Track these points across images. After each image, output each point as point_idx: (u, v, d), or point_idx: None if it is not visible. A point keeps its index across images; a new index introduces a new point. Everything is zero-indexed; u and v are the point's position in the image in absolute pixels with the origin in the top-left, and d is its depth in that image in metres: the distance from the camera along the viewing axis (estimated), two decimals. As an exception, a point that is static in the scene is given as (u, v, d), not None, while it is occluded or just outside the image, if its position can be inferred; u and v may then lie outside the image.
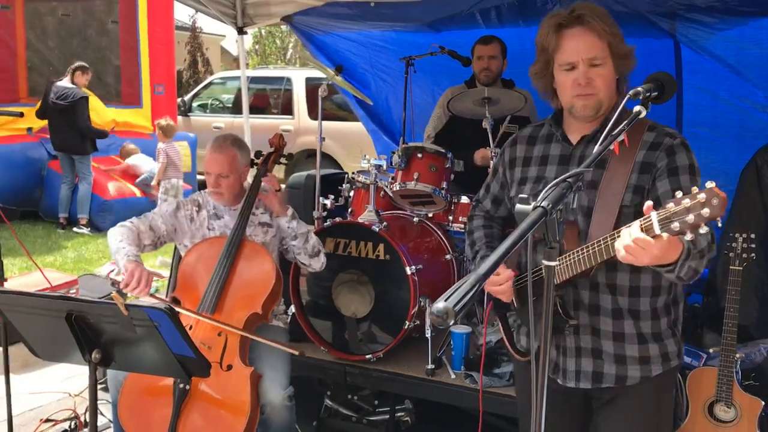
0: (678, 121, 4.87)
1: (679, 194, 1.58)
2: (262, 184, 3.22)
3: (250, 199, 3.23)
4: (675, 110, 4.83)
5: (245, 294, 3.09)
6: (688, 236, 1.58)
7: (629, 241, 1.67)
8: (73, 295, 2.56)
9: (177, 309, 2.82)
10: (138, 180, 9.07)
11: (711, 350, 3.30)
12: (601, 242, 1.86)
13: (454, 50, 4.72)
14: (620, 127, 1.75)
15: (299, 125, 10.69)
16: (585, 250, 1.92)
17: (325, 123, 10.31)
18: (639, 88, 1.83)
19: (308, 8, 5.40)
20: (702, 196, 1.54)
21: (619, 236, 1.75)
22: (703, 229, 1.55)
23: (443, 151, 3.88)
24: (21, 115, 3.70)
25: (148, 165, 9.22)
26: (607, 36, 2.01)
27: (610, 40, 2.01)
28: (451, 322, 1.19)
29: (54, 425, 3.88)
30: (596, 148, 1.73)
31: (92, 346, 2.44)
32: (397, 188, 3.85)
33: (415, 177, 3.79)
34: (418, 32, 5.40)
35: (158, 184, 8.58)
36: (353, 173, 4.28)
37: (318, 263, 3.37)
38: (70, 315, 2.36)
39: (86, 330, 2.41)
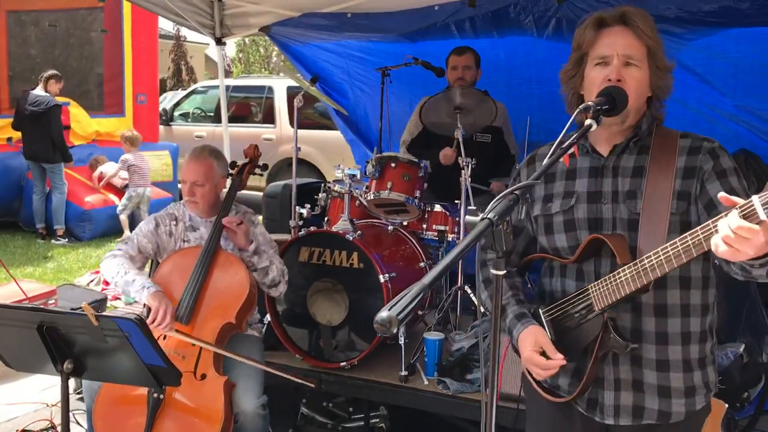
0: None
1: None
2: (224, 221, 3.20)
3: (224, 210, 3.27)
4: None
5: (219, 304, 3.12)
6: None
7: (729, 232, 1.47)
8: (43, 306, 2.58)
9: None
10: (119, 209, 8.99)
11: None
12: (678, 244, 1.68)
13: (428, 61, 4.79)
14: (570, 140, 1.77)
15: (281, 134, 10.73)
16: (640, 264, 1.77)
17: (307, 131, 10.50)
18: (589, 102, 1.82)
19: (286, 19, 5.48)
20: None
21: (715, 231, 1.55)
22: None
23: (416, 160, 3.95)
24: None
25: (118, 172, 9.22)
26: (648, 41, 1.91)
27: (651, 45, 1.91)
28: (395, 330, 1.24)
29: (32, 436, 3.89)
30: (545, 160, 1.72)
31: (64, 357, 2.48)
32: (372, 197, 3.91)
33: (389, 186, 3.86)
34: (395, 42, 5.47)
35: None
36: (330, 182, 4.33)
37: (276, 292, 3.41)
38: (42, 326, 2.40)
39: (58, 341, 2.45)
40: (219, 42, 5.90)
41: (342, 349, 3.74)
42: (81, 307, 2.31)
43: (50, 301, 5.10)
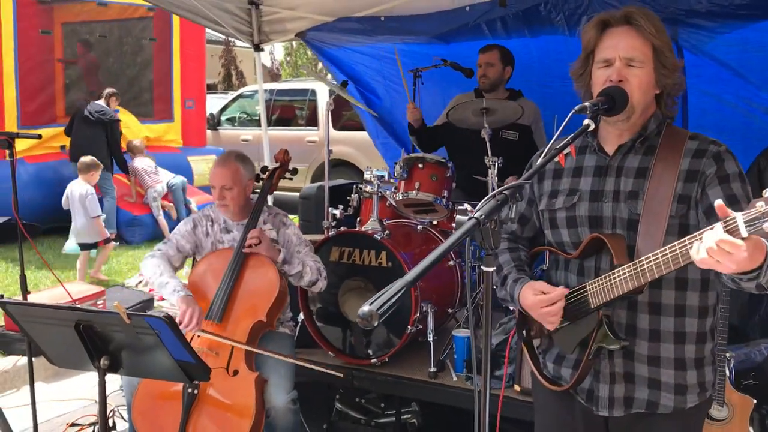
0: (684, 126, 4.91)
1: (767, 193, 1.43)
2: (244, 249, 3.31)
3: (255, 213, 3.39)
4: (681, 115, 4.88)
5: (250, 303, 3.25)
6: None
7: (713, 244, 1.51)
8: (80, 306, 2.74)
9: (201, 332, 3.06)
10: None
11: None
12: (668, 251, 1.72)
13: (457, 62, 4.85)
14: (566, 140, 1.82)
15: (324, 136, 10.87)
16: (637, 265, 1.80)
17: (349, 133, 10.62)
18: (586, 104, 1.86)
19: (321, 24, 5.59)
20: None
21: (699, 240, 1.58)
22: None
23: (443, 160, 4.01)
24: (39, 137, 3.91)
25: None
26: (653, 40, 1.92)
27: (656, 44, 1.92)
28: (375, 324, 1.31)
29: (80, 430, 4.08)
30: (539, 160, 1.78)
31: (100, 354, 2.61)
32: (400, 198, 3.99)
33: (417, 186, 3.93)
34: (428, 44, 5.53)
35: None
36: (361, 183, 4.42)
37: (316, 289, 3.50)
38: (79, 324, 2.54)
39: (94, 338, 2.59)
40: (257, 48, 6.05)
41: (373, 346, 3.82)
42: (114, 306, 2.45)
43: (99, 302, 5.33)
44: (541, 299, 2.01)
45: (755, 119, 4.61)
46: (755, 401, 3.13)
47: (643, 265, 1.79)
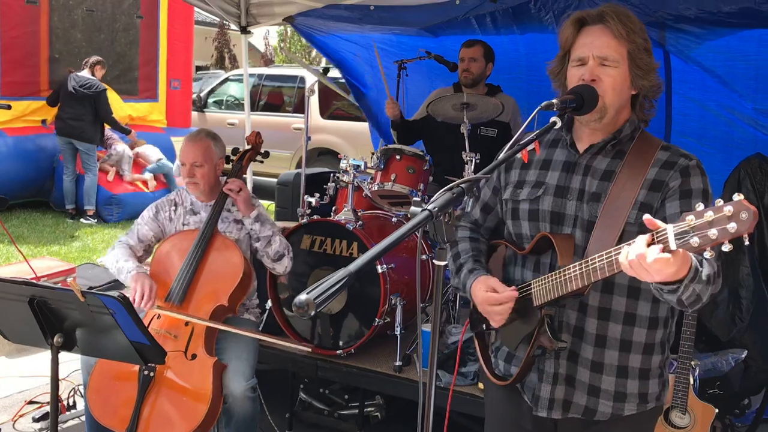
0: (667, 130, 4.90)
1: (700, 206, 1.44)
2: (224, 187, 3.30)
3: (223, 194, 3.33)
4: (664, 119, 4.86)
5: (213, 286, 3.19)
6: (707, 254, 1.46)
7: (638, 256, 1.54)
8: (34, 281, 2.68)
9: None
10: (148, 168, 9.38)
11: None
12: (604, 257, 1.72)
13: (441, 55, 4.81)
14: (530, 137, 1.78)
15: (311, 123, 10.79)
16: (582, 266, 1.79)
17: (337, 122, 10.55)
18: (553, 101, 1.82)
19: (309, 9, 5.52)
20: (729, 209, 1.38)
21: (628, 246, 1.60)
22: (726, 247, 1.40)
23: (421, 153, 3.96)
24: (8, 107, 3.82)
25: (155, 155, 9.54)
26: (627, 41, 1.89)
27: (630, 47, 1.89)
28: (312, 313, 1.27)
29: (39, 408, 4.01)
30: (501, 154, 1.74)
31: (54, 331, 2.56)
32: (375, 188, 3.94)
33: (393, 178, 3.88)
34: (417, 36, 5.49)
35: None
36: (338, 172, 4.37)
37: (281, 267, 3.42)
38: (33, 300, 2.48)
39: (49, 315, 2.53)
40: (244, 30, 5.98)
41: (340, 337, 3.78)
42: (68, 282, 2.39)
43: (69, 279, 5.25)
44: (490, 297, 1.98)
45: (737, 128, 4.60)
46: (717, 410, 3.11)
47: (582, 267, 1.78)
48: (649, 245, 1.53)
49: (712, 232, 1.40)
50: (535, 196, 2.03)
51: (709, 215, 1.41)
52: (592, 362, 1.96)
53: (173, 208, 3.45)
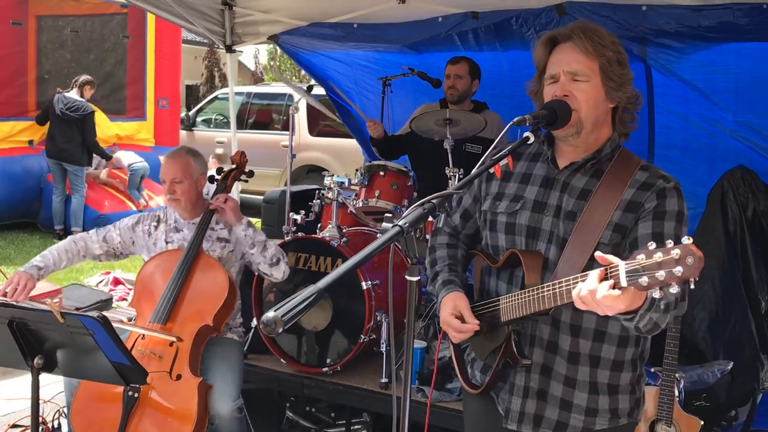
0: (650, 144, 4.93)
1: (652, 245, 1.46)
2: (211, 204, 3.31)
3: (207, 212, 3.33)
4: (647, 133, 4.89)
5: (198, 306, 3.18)
6: (656, 293, 1.46)
7: (589, 292, 1.56)
8: (12, 302, 2.67)
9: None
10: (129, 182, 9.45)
11: (652, 369, 3.32)
12: (563, 284, 1.75)
13: (424, 72, 4.84)
14: (503, 152, 1.79)
15: (299, 141, 10.83)
16: (543, 290, 1.81)
17: (325, 139, 10.54)
18: (525, 116, 1.84)
19: (294, 28, 5.55)
20: (676, 252, 1.40)
21: (582, 281, 1.62)
22: (674, 289, 1.42)
23: (405, 169, 3.98)
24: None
25: (129, 158, 9.55)
26: (596, 55, 1.90)
27: (600, 60, 1.90)
28: (279, 331, 1.27)
29: (23, 431, 3.97)
30: (474, 170, 1.76)
31: (35, 353, 2.55)
32: (360, 205, 3.95)
33: (377, 194, 3.89)
34: (401, 53, 5.52)
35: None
36: (323, 189, 4.37)
37: (279, 272, 3.40)
38: (12, 321, 2.47)
39: (29, 337, 2.52)
40: (229, 49, 5.99)
41: (326, 354, 3.77)
42: (47, 304, 2.38)
43: (55, 300, 5.21)
44: (452, 322, 2.02)
45: (719, 140, 4.63)
46: (702, 422, 3.12)
47: (543, 291, 1.81)
48: (601, 281, 1.55)
49: (660, 274, 1.42)
50: (513, 210, 2.04)
51: (658, 256, 1.43)
52: (565, 377, 1.98)
53: (155, 223, 3.45)
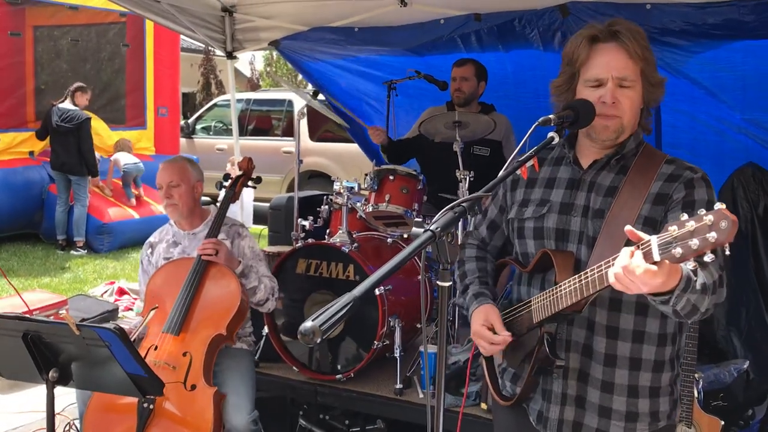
0: (657, 143, 4.90)
1: (684, 216, 1.42)
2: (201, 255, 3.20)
3: (217, 222, 3.30)
4: (654, 132, 4.86)
5: (210, 315, 3.15)
6: (690, 264, 1.43)
7: (623, 268, 1.52)
8: (27, 316, 2.63)
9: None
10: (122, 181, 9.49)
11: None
12: (595, 271, 1.70)
13: (431, 74, 4.81)
14: (528, 153, 1.76)
15: (301, 147, 10.81)
16: (575, 281, 1.77)
17: (327, 144, 10.55)
18: (550, 116, 1.80)
19: (295, 33, 5.52)
20: (709, 218, 1.36)
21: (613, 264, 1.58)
22: (708, 257, 1.39)
23: (414, 173, 3.95)
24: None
25: (125, 159, 9.55)
26: (641, 59, 1.87)
27: (643, 65, 1.88)
28: (318, 341, 1.24)
29: (34, 444, 3.94)
30: (501, 172, 1.73)
31: (49, 366, 2.52)
32: (370, 210, 3.92)
33: (387, 199, 3.87)
34: (403, 56, 5.49)
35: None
36: (332, 195, 4.34)
37: (264, 310, 3.44)
38: (27, 335, 2.44)
39: (43, 350, 2.49)
40: (230, 56, 5.97)
41: (339, 361, 3.74)
42: (62, 316, 2.35)
43: (61, 312, 5.18)
44: (485, 334, 1.99)
45: (728, 138, 4.61)
46: (723, 422, 3.09)
47: (575, 282, 1.77)
48: (633, 257, 1.51)
49: (693, 242, 1.38)
50: (539, 214, 2.01)
51: (691, 225, 1.39)
52: (602, 382, 1.93)
53: (149, 251, 3.49)
